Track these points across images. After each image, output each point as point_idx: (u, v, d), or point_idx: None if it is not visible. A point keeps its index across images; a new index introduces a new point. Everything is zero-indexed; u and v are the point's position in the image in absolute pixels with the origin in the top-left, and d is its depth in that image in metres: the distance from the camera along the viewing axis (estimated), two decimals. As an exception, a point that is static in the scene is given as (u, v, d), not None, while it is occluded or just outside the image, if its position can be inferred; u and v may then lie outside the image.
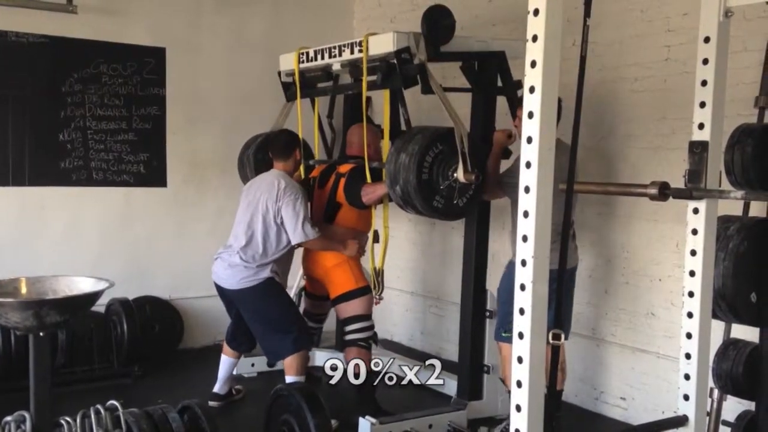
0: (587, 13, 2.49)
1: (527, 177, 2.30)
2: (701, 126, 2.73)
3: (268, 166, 4.66)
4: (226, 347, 4.74)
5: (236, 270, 4.35)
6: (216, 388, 4.73)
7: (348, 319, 4.50)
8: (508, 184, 4.16)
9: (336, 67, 4.52)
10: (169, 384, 5.09)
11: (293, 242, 4.38)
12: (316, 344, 5.32)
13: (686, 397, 2.80)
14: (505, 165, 4.29)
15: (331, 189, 4.62)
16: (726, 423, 3.55)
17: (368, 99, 5.47)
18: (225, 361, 4.75)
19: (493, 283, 4.54)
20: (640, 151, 4.48)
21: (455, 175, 3.91)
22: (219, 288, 4.51)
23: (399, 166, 3.88)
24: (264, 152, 4.89)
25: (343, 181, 4.55)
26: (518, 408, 2.34)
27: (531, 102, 2.28)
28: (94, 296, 2.85)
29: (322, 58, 4.51)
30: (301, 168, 4.80)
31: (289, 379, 4.31)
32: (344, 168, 4.61)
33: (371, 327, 4.54)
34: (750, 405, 3.40)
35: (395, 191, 3.95)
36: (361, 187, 4.41)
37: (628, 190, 3.59)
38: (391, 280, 5.94)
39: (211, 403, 4.58)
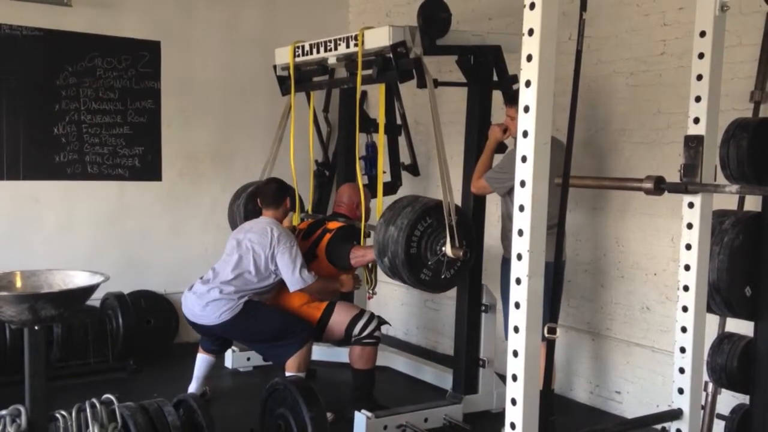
0: (583, 7, 2.49)
1: (523, 171, 2.30)
2: (696, 120, 2.73)
3: (259, 216, 4.65)
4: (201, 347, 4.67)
5: (215, 305, 4.27)
6: (192, 388, 4.54)
7: (347, 330, 4.42)
8: (497, 180, 4.16)
9: (331, 61, 4.51)
10: (164, 378, 5.08)
11: (291, 289, 4.35)
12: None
13: (681, 391, 2.81)
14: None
15: (314, 240, 4.62)
16: (720, 416, 3.56)
17: (363, 93, 5.48)
18: (202, 359, 4.62)
19: (487, 277, 4.55)
20: (635, 145, 4.48)
21: (443, 249, 3.89)
22: (192, 322, 4.44)
23: (387, 239, 3.87)
24: (255, 202, 4.85)
25: (328, 236, 4.55)
26: (513, 402, 2.35)
27: (527, 96, 2.28)
28: (90, 290, 2.84)
29: (318, 51, 4.50)
30: (295, 215, 4.78)
31: (289, 375, 4.25)
32: (333, 225, 4.63)
33: (371, 319, 4.44)
34: (744, 398, 3.42)
35: (383, 262, 3.96)
36: (350, 249, 4.41)
37: (624, 185, 3.60)
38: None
39: None
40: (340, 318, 4.42)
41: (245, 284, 4.33)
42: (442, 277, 3.97)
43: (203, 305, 4.30)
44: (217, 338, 4.58)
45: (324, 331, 4.45)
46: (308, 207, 5.14)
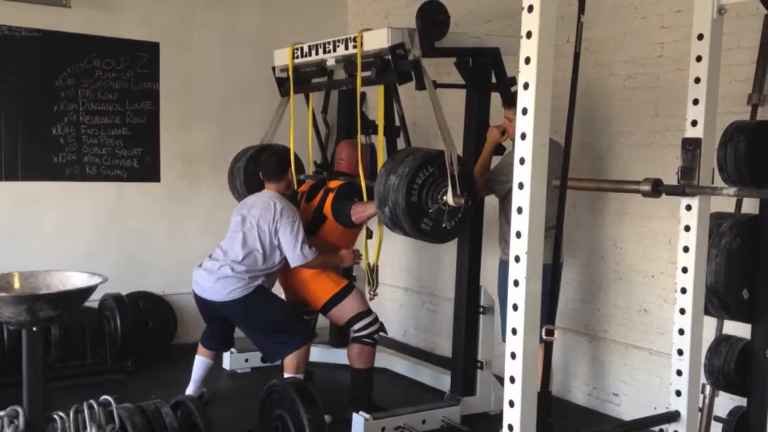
0: (581, 10, 2.50)
1: (521, 173, 2.30)
2: (694, 123, 2.74)
3: (259, 179, 4.65)
4: (201, 348, 4.66)
5: (227, 282, 4.28)
6: (190, 390, 4.53)
7: (350, 321, 4.45)
8: (495, 182, 4.16)
9: (330, 62, 4.51)
10: (162, 379, 5.08)
11: (292, 265, 4.36)
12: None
13: (678, 393, 2.81)
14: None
15: (318, 202, 4.63)
16: (718, 419, 3.57)
17: (362, 94, 5.47)
18: (200, 361, 4.63)
19: (486, 279, 4.55)
20: (633, 148, 4.49)
21: (445, 198, 3.88)
22: (200, 300, 4.44)
23: (388, 187, 3.84)
24: (255, 164, 4.86)
25: (331, 196, 4.55)
26: (511, 404, 2.35)
27: (525, 98, 2.29)
28: (88, 291, 2.84)
29: (317, 53, 4.50)
30: (294, 179, 4.78)
31: (287, 376, 4.26)
32: (334, 184, 4.62)
33: (375, 321, 4.47)
34: (742, 401, 3.42)
35: (384, 212, 3.92)
36: (351, 205, 4.42)
37: (622, 187, 3.61)
38: (385, 276, 5.95)
39: None
40: (350, 305, 4.45)
41: (254, 263, 4.33)
42: (443, 226, 3.94)
43: (214, 280, 4.31)
44: (219, 325, 4.55)
45: (332, 308, 4.47)
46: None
